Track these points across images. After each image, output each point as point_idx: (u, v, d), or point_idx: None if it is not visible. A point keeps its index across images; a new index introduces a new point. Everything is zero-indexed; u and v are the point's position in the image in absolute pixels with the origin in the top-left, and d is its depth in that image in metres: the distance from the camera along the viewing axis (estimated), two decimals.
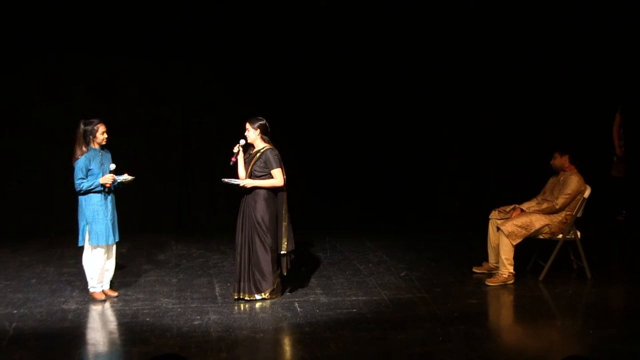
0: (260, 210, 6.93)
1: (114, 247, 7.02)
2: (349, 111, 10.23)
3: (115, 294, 7.06)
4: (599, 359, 5.52)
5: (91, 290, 6.94)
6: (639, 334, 6.20)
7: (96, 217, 6.75)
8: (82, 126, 6.75)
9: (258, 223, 6.92)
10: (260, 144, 7.02)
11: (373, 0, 9.96)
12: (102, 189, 6.75)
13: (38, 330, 6.22)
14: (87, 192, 6.72)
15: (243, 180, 6.98)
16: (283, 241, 7.00)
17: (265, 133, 7.02)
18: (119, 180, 6.82)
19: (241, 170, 7.08)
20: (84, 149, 6.73)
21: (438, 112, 10.44)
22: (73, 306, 6.83)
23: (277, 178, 6.92)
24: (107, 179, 6.72)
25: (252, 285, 6.97)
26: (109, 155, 6.92)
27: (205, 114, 10.07)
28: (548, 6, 10.00)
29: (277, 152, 7.01)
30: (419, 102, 10.37)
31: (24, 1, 9.27)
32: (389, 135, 10.38)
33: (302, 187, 9.72)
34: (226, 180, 6.99)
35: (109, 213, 6.81)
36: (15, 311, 6.68)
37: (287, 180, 7.18)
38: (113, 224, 6.87)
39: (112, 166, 6.79)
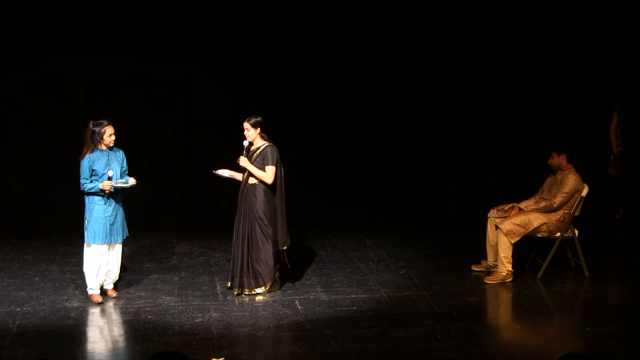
0: (261, 204, 7.03)
1: (118, 248, 7.03)
2: (350, 110, 10.25)
3: (115, 294, 7.08)
4: (596, 356, 5.57)
5: (89, 292, 6.95)
6: (636, 330, 6.25)
7: (96, 216, 6.79)
8: (90, 126, 6.80)
9: (260, 217, 7.01)
10: (259, 142, 7.12)
11: (374, 4, 9.99)
12: (102, 192, 6.80)
13: (41, 328, 6.28)
14: (89, 192, 6.79)
15: (237, 169, 7.12)
16: (283, 237, 7.08)
17: (264, 130, 7.12)
18: (118, 186, 6.84)
19: (238, 175, 7.24)
20: (90, 149, 6.79)
21: (438, 112, 10.46)
22: (76, 304, 6.88)
23: (268, 174, 7.01)
24: (105, 185, 6.76)
25: (252, 280, 7.06)
26: (119, 155, 6.94)
27: (206, 113, 10.09)
28: (545, 6, 10.03)
29: (276, 149, 7.09)
30: (418, 101, 10.40)
31: (27, 2, 9.32)
32: (388, 135, 10.41)
33: (302, 186, 9.79)
34: (218, 172, 7.19)
35: (110, 213, 6.83)
36: (18, 309, 6.73)
37: (288, 178, 7.27)
38: (113, 224, 6.86)
39: (110, 172, 6.80)
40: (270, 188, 7.08)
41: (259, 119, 7.10)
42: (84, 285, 7.07)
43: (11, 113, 9.55)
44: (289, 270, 7.47)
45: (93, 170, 6.75)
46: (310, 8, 9.88)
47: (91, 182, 6.75)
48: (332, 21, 10.00)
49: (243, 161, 7.05)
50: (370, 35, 10.13)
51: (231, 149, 7.30)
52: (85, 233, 6.84)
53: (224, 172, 7.24)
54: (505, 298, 7.32)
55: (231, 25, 9.84)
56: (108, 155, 6.84)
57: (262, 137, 7.13)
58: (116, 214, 6.91)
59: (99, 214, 6.79)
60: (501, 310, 7.26)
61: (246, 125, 7.08)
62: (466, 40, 10.25)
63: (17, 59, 9.49)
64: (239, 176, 7.23)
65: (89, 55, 9.59)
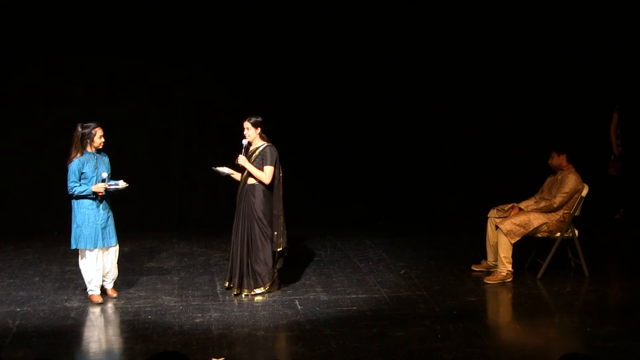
0: (260, 204, 7.04)
1: (114, 249, 7.00)
2: (350, 111, 10.26)
3: (115, 294, 7.07)
4: (596, 356, 5.56)
5: (89, 292, 6.95)
6: (636, 330, 6.25)
7: (86, 221, 6.74)
8: (79, 129, 6.74)
9: (259, 217, 7.02)
10: (258, 142, 7.14)
11: (374, 4, 10.00)
12: (94, 195, 6.78)
13: (41, 328, 6.28)
14: (79, 196, 6.75)
15: (236, 170, 7.18)
16: (279, 239, 7.09)
17: (263, 131, 7.13)
18: (110, 189, 6.82)
19: (237, 174, 7.25)
20: (79, 152, 6.75)
21: (438, 112, 10.47)
22: (76, 304, 6.89)
23: (266, 174, 7.02)
24: (99, 187, 6.73)
25: (251, 280, 7.07)
26: (105, 159, 6.92)
27: (206, 113, 10.11)
28: (545, 6, 10.03)
29: (276, 150, 7.10)
30: (418, 101, 10.41)
31: (27, 2, 9.32)
32: (389, 135, 10.42)
33: (303, 186, 9.81)
34: (218, 169, 7.24)
35: (100, 217, 6.79)
36: (18, 309, 6.74)
37: (288, 178, 7.27)
38: (105, 228, 6.83)
39: (104, 174, 6.79)
40: (269, 188, 7.08)
41: (259, 119, 7.12)
42: (84, 285, 7.07)
43: (11, 113, 9.55)
44: (289, 270, 7.48)
45: (82, 174, 6.71)
46: (311, 9, 9.87)
47: (80, 185, 6.73)
48: (332, 22, 10.00)
49: (242, 160, 7.06)
50: (371, 36, 10.13)
51: (231, 149, 7.30)
52: (76, 238, 6.79)
53: (224, 170, 7.25)
54: (505, 298, 7.31)
55: (231, 25, 9.85)
56: (96, 159, 6.82)
57: (262, 138, 7.15)
58: (107, 218, 6.88)
59: (91, 219, 6.75)
60: (501, 310, 7.26)
61: (247, 124, 7.09)
62: (466, 41, 10.25)
63: (17, 59, 9.49)
64: (237, 175, 7.24)
65: (89, 55, 9.60)
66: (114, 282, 7.13)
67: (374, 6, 10.00)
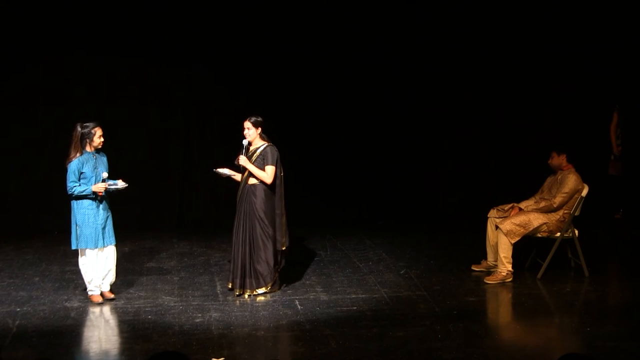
0: (261, 204, 7.04)
1: (112, 250, 6.99)
2: (350, 111, 10.26)
3: (112, 296, 7.02)
4: (596, 356, 5.56)
5: (89, 293, 6.95)
6: (636, 330, 6.25)
7: (86, 220, 6.74)
8: (78, 129, 6.73)
9: (260, 217, 7.02)
10: (259, 142, 7.14)
11: (374, 3, 10.00)
12: (94, 195, 6.78)
13: (41, 328, 6.28)
14: (79, 196, 6.75)
15: (236, 170, 7.19)
16: (282, 237, 7.10)
17: (264, 131, 7.14)
18: (110, 189, 6.82)
19: (238, 175, 7.25)
20: (78, 152, 6.75)
21: (438, 112, 10.47)
22: (76, 304, 6.89)
23: (268, 174, 7.02)
24: (99, 187, 6.73)
25: (253, 280, 7.07)
26: (104, 159, 6.91)
27: (206, 113, 10.10)
28: (545, 6, 10.03)
29: (276, 149, 7.11)
30: (418, 101, 10.40)
31: (28, 2, 9.33)
32: (389, 135, 10.41)
33: (303, 186, 9.80)
34: (218, 170, 7.24)
35: (100, 217, 6.79)
36: (18, 309, 6.74)
37: (288, 178, 7.27)
38: (104, 228, 6.82)
39: (105, 174, 6.79)
40: (270, 188, 7.09)
41: (259, 119, 7.12)
42: (84, 285, 7.06)
43: (11, 113, 9.55)
44: (289, 270, 7.48)
45: (82, 174, 6.70)
46: (311, 9, 9.87)
47: (80, 185, 6.72)
48: (332, 22, 10.00)
49: (242, 160, 7.05)
50: (371, 36, 10.13)
51: (231, 149, 7.30)
52: (76, 238, 6.78)
53: (224, 171, 7.26)
54: (505, 298, 7.31)
55: (231, 25, 9.85)
56: (95, 158, 6.82)
57: (262, 137, 7.15)
58: (107, 218, 6.87)
59: (90, 219, 6.75)
60: (501, 310, 7.26)
61: (247, 124, 7.09)
62: (466, 41, 10.24)
63: (17, 59, 9.49)
64: (238, 177, 7.24)
65: (89, 55, 9.61)
66: (112, 285, 7.08)
67: (374, 6, 10.00)
